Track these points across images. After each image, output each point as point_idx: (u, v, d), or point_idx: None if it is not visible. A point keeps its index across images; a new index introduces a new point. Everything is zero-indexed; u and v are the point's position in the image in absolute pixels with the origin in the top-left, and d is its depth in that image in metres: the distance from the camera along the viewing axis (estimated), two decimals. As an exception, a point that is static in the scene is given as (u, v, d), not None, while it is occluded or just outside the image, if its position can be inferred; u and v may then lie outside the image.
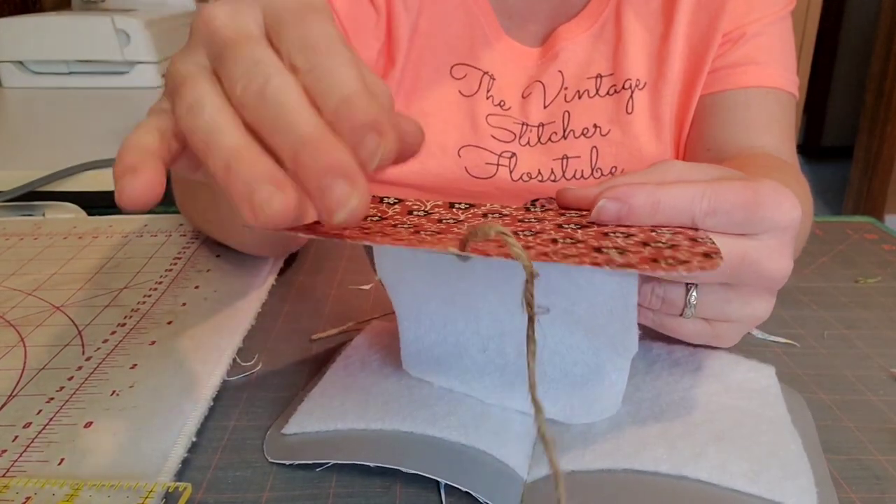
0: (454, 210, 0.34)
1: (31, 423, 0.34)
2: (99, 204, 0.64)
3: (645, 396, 0.35)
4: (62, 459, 0.32)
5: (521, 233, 0.31)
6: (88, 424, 0.34)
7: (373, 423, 0.33)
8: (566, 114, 0.64)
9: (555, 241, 0.29)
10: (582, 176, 0.64)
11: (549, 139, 0.64)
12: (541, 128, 0.64)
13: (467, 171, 0.64)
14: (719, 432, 0.32)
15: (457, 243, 0.26)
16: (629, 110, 0.63)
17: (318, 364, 0.41)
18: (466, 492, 0.30)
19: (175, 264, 0.52)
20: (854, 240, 0.60)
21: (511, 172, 0.64)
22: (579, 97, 0.64)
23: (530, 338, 0.25)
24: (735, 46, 0.61)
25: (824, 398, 0.38)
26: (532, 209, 0.36)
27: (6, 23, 1.08)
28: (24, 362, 0.40)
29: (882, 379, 0.40)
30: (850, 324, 0.46)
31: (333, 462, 0.32)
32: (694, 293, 0.32)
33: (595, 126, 0.63)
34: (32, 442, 0.33)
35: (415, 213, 0.34)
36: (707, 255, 0.28)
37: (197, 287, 0.49)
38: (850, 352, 0.43)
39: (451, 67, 0.64)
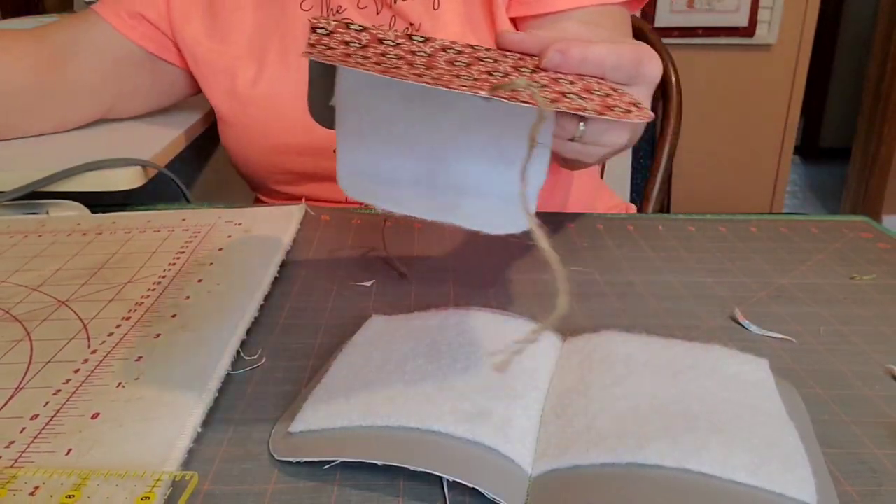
0: (414, 42, 0.41)
1: (38, 415, 0.35)
2: (102, 202, 0.64)
3: (644, 392, 0.36)
4: (69, 450, 0.32)
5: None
6: (95, 415, 0.35)
7: (378, 420, 0.34)
8: (393, 18, 0.69)
9: (543, 86, 0.38)
10: None
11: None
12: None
13: None
14: (719, 425, 0.33)
15: (486, 90, 0.34)
16: (436, 7, 0.68)
17: (321, 358, 0.41)
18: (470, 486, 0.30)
19: (178, 258, 0.53)
20: (849, 238, 0.60)
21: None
22: (395, 1, 0.68)
23: (525, 171, 0.32)
24: None
25: (821, 393, 0.39)
26: (447, 45, 0.42)
27: (8, 24, 1.09)
28: (31, 356, 0.40)
29: (878, 375, 0.41)
30: (846, 320, 0.47)
31: (340, 460, 0.32)
32: (582, 125, 0.42)
33: (411, 24, 0.68)
34: (40, 433, 0.34)
35: (385, 42, 0.40)
36: (636, 105, 0.39)
37: (200, 281, 0.49)
38: (847, 348, 0.43)
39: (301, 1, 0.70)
